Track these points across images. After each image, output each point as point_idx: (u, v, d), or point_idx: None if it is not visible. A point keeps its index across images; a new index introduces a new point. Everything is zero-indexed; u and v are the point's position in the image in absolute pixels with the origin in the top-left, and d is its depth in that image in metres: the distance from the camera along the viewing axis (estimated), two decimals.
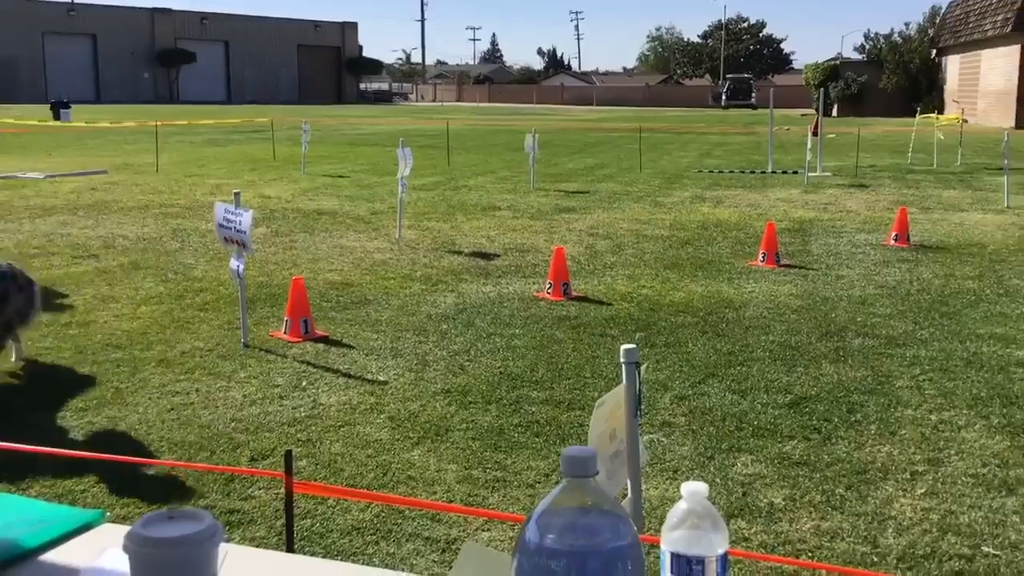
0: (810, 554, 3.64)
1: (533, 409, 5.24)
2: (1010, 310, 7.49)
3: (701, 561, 1.31)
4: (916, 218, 11.24)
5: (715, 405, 5.29)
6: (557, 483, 1.18)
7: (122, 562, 1.54)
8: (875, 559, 3.60)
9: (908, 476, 4.36)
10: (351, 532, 3.77)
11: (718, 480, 4.27)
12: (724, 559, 1.32)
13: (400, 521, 3.85)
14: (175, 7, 75.16)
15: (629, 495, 3.34)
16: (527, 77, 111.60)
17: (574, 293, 7.94)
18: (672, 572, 1.30)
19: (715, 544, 1.32)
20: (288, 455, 2.18)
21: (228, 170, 18.61)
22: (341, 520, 3.86)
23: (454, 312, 7.39)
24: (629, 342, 6.82)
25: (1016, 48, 37.76)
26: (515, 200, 14.34)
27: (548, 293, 7.89)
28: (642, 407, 3.54)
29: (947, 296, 7.96)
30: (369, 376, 5.77)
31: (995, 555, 3.61)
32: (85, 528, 1.69)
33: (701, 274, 8.88)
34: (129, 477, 4.25)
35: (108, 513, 1.63)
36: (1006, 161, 13.91)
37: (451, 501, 4.11)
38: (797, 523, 3.87)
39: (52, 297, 7.53)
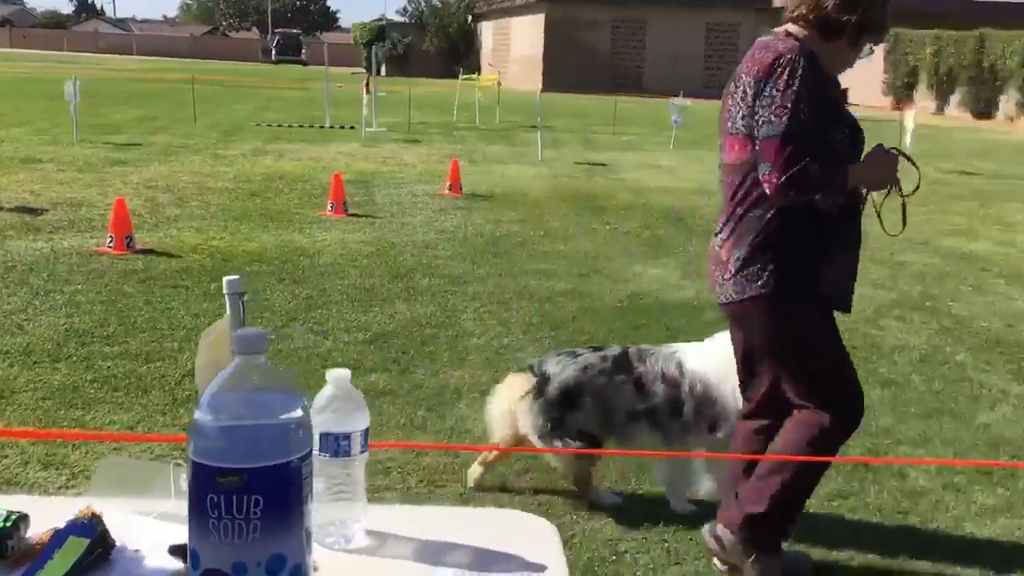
0: (399, 469, 3.93)
1: (108, 364, 5.01)
2: (551, 248, 8.43)
3: (348, 437, 1.45)
4: (466, 170, 12.07)
5: (300, 346, 5.43)
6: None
7: None
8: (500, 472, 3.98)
9: (478, 395, 4.82)
10: None
11: None
12: (366, 432, 1.48)
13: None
14: None
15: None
16: (55, 22, 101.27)
17: (139, 246, 7.58)
18: (322, 450, 1.43)
19: (358, 421, 1.48)
20: None
21: None
22: None
23: (2, 271, 6.74)
24: (204, 293, 6.65)
25: (541, 17, 41.61)
26: (58, 152, 13.21)
27: (110, 247, 7.45)
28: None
29: (498, 239, 8.75)
30: None
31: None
32: None
33: (272, 225, 8.89)
34: None
35: None
36: (539, 120, 15.41)
37: (27, 463, 3.84)
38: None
39: None
